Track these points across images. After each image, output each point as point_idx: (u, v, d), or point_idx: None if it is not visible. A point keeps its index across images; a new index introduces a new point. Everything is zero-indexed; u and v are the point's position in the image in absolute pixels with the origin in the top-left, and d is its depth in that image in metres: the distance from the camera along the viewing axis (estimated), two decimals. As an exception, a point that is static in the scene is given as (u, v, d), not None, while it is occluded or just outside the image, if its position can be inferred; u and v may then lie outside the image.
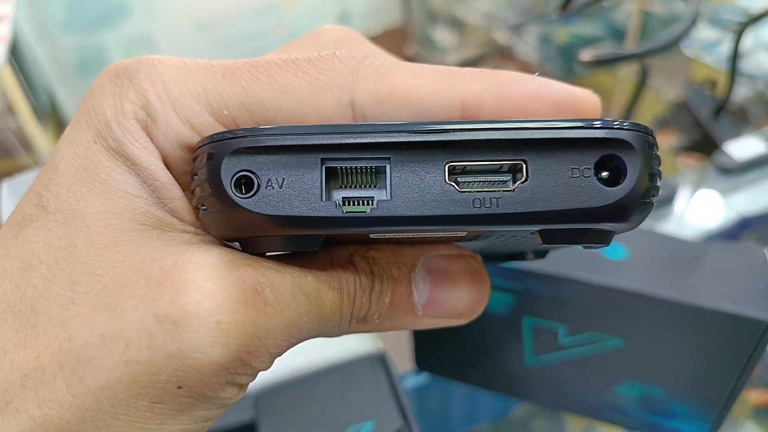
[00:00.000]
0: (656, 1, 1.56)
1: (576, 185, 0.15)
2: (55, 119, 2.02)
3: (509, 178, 0.15)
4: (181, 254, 0.15)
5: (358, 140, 0.15)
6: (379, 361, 0.40)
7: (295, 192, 0.15)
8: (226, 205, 0.15)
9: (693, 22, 0.47)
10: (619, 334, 0.36)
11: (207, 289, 0.14)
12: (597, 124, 0.15)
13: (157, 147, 0.16)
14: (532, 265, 0.35)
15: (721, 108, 0.65)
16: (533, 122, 0.15)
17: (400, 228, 0.15)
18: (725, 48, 1.30)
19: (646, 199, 0.15)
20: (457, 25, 2.20)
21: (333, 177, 0.15)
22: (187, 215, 0.17)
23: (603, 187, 0.15)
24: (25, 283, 0.15)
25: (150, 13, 2.32)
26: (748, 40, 1.29)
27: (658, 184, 0.16)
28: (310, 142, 0.15)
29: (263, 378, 0.39)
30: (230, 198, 0.15)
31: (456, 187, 0.15)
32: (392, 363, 0.40)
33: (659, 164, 0.15)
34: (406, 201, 0.15)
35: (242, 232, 0.16)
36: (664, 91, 1.48)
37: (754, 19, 0.58)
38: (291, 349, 0.42)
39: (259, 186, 0.15)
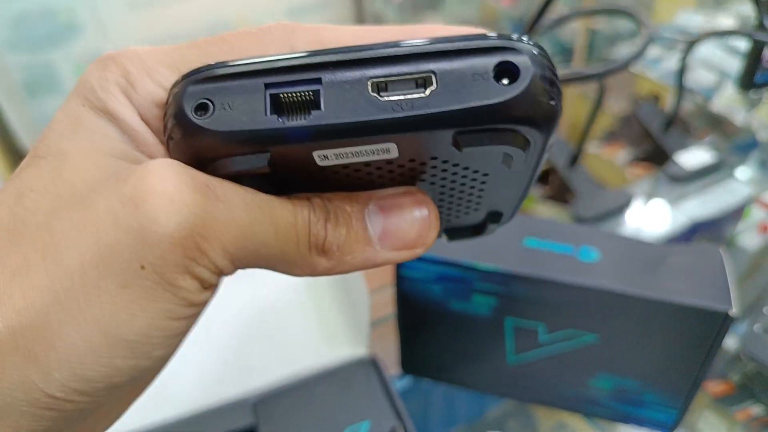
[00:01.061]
0: (600, 19, 1.64)
1: (478, 87, 0.17)
2: (3, 139, 1.96)
3: (422, 87, 0.18)
4: (149, 161, 0.17)
5: (293, 63, 0.18)
6: (372, 365, 0.42)
7: (243, 111, 0.17)
8: (188, 128, 0.18)
9: (648, 42, 0.51)
10: (594, 330, 0.39)
11: (164, 176, 0.16)
12: (493, 36, 0.18)
13: (135, 106, 0.19)
14: (513, 268, 0.38)
15: (670, 121, 0.70)
16: (437, 39, 0.18)
17: (336, 136, 0.18)
18: (667, 64, 1.38)
19: (542, 98, 0.17)
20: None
21: (275, 103, 0.18)
22: (160, 156, 0.19)
23: (500, 85, 0.17)
24: (17, 207, 0.17)
25: (101, 32, 2.29)
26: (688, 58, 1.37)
27: (554, 87, 0.18)
28: (252, 69, 0.18)
29: (262, 384, 0.40)
30: (190, 120, 0.17)
31: (378, 97, 0.17)
32: (384, 366, 0.42)
33: (552, 72, 0.18)
34: (338, 111, 0.17)
35: (203, 154, 0.18)
36: (611, 106, 1.55)
37: (699, 39, 0.63)
38: (286, 355, 0.43)
39: (214, 109, 0.17)
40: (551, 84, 0.18)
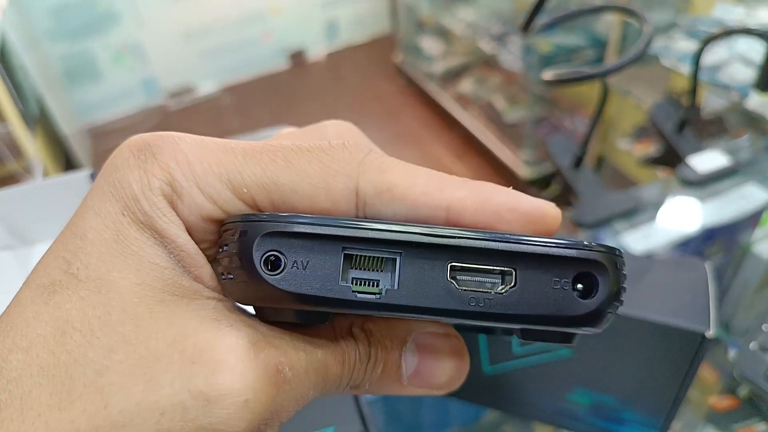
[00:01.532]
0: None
1: (556, 295, 0.17)
2: (43, 125, 2.03)
3: (499, 280, 0.17)
4: (213, 332, 0.16)
5: (377, 236, 0.17)
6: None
7: (316, 274, 0.17)
8: (254, 278, 0.17)
9: (649, 44, 0.48)
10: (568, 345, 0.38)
11: (238, 371, 0.16)
12: (576, 245, 0.17)
13: (181, 220, 0.18)
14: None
15: (684, 122, 0.67)
16: (525, 237, 0.17)
17: (404, 315, 0.17)
18: (702, 59, 1.33)
19: (611, 310, 0.18)
20: (443, 34, 2.22)
21: (348, 259, 0.17)
22: (210, 281, 0.18)
23: (578, 299, 0.17)
24: (59, 349, 0.16)
25: (138, 21, 2.33)
26: (722, 52, 1.32)
27: (622, 297, 0.18)
28: (335, 233, 0.17)
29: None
30: (258, 273, 0.17)
31: (456, 284, 0.17)
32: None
33: (625, 280, 0.18)
34: (412, 292, 0.17)
35: (262, 303, 0.18)
36: (645, 101, 1.51)
37: (712, 39, 0.60)
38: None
39: (285, 265, 0.17)
40: (618, 295, 0.18)
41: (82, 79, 2.37)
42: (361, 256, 0.17)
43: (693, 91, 0.64)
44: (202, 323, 0.16)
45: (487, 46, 1.95)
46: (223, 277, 0.18)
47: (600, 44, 1.64)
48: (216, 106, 2.48)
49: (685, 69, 1.31)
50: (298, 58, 2.62)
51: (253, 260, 0.17)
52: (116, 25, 2.32)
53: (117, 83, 2.43)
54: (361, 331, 0.20)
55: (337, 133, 0.21)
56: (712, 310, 0.35)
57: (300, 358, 0.17)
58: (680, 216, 0.63)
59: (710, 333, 0.34)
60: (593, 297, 0.17)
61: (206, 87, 2.54)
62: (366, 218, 0.19)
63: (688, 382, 0.37)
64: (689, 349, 0.35)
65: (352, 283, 0.17)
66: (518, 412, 0.45)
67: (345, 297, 0.17)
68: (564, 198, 0.64)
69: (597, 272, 0.17)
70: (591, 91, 1.61)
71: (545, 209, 0.19)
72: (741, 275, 0.70)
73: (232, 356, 0.16)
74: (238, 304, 0.19)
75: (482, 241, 0.17)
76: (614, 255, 0.18)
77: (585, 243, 0.17)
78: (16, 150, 1.79)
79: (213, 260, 0.19)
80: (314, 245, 0.17)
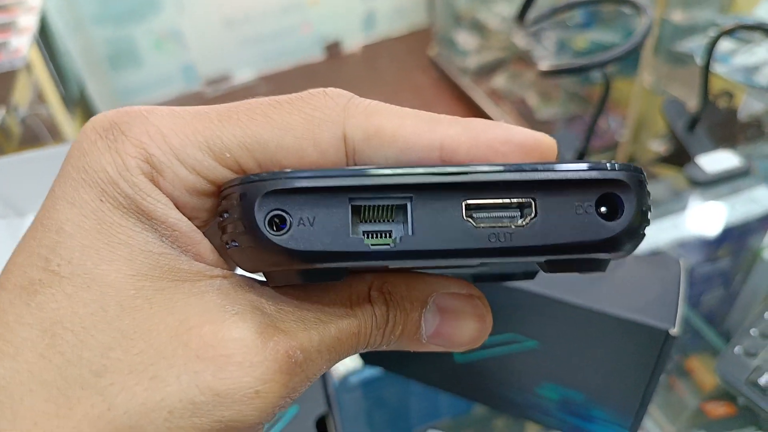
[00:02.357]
0: (677, 10, 1.54)
1: (580, 220, 0.16)
2: (82, 108, 2.08)
3: (518, 213, 0.17)
4: (218, 322, 0.16)
5: (384, 182, 0.16)
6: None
7: (324, 229, 0.16)
8: (260, 241, 0.16)
9: (646, 35, 0.47)
10: (534, 336, 0.37)
11: (247, 365, 0.15)
12: (596, 166, 0.17)
13: (167, 197, 0.17)
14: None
15: (695, 121, 0.65)
16: (542, 165, 0.17)
17: (422, 261, 0.17)
18: (740, 60, 1.29)
19: (640, 230, 0.17)
20: (478, 28, 2.20)
21: (356, 213, 0.17)
22: (210, 256, 0.18)
23: (603, 221, 0.16)
24: (50, 351, 0.15)
25: (179, 8, 2.37)
26: (762, 53, 1.27)
27: (649, 217, 0.17)
28: (339, 184, 0.16)
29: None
30: (264, 235, 0.16)
31: (473, 222, 0.16)
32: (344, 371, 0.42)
33: (650, 199, 0.17)
34: (427, 236, 0.16)
35: (272, 266, 0.17)
36: (682, 101, 1.47)
37: (721, 35, 0.58)
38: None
39: (291, 224, 0.16)
40: (645, 215, 0.17)
41: (124, 64, 2.42)
42: (369, 206, 0.16)
43: (704, 87, 0.62)
44: (206, 311, 0.16)
45: (521, 42, 1.92)
46: (228, 246, 0.17)
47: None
48: (252, 94, 2.46)
49: (723, 69, 1.27)
50: (334, 49, 2.63)
51: (256, 222, 0.16)
52: (158, 11, 2.37)
53: (157, 69, 2.48)
54: (380, 294, 0.19)
55: (330, 101, 0.20)
56: (680, 308, 0.34)
57: (312, 339, 0.17)
58: (687, 216, 0.62)
59: (674, 330, 0.33)
60: (620, 218, 0.16)
61: (243, 75, 2.58)
62: (368, 166, 0.18)
63: (654, 381, 0.36)
64: (654, 347, 0.34)
65: (364, 235, 0.16)
66: (490, 403, 0.44)
67: (358, 249, 0.16)
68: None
69: (620, 192, 0.17)
70: (627, 89, 1.58)
71: (539, 138, 0.18)
72: (751, 281, 0.68)
73: (240, 349, 0.15)
74: (244, 278, 0.18)
75: (496, 174, 0.16)
76: (636, 173, 0.17)
77: (605, 163, 0.17)
78: (55, 131, 1.84)
79: (213, 232, 0.18)
80: (319, 199, 0.16)
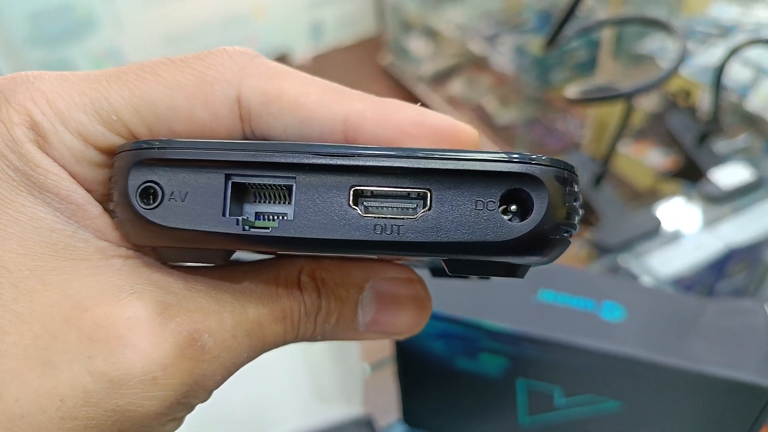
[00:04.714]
0: (629, 10, 1.56)
1: (479, 218, 0.14)
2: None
3: (416, 205, 0.15)
4: (112, 303, 0.14)
5: (264, 159, 0.15)
6: (367, 426, 0.38)
7: (197, 206, 0.15)
8: (132, 214, 0.15)
9: (681, 61, 0.45)
10: (617, 397, 0.35)
11: (141, 348, 0.14)
12: (504, 157, 0.14)
13: (61, 167, 0.15)
14: (525, 329, 0.34)
15: (706, 134, 0.64)
16: (441, 152, 0.14)
17: (302, 250, 0.15)
18: (699, 60, 1.31)
19: (555, 235, 0.15)
20: (431, 35, 2.19)
21: (243, 192, 0.15)
22: (110, 231, 0.16)
23: (506, 221, 0.14)
24: None
25: (117, 26, 2.27)
26: (720, 52, 1.30)
27: (573, 221, 0.15)
28: (214, 158, 0.15)
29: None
30: (134, 208, 0.15)
31: (359, 211, 0.15)
32: (378, 427, 0.38)
33: (575, 200, 0.15)
34: (309, 222, 0.15)
35: (150, 242, 0.16)
36: (641, 102, 1.48)
37: (737, 50, 0.57)
38: (274, 414, 0.40)
39: (162, 197, 0.15)
40: (569, 216, 0.15)
41: (62, 87, 2.31)
42: (250, 184, 0.15)
43: (716, 102, 0.62)
44: (102, 292, 0.14)
45: (476, 47, 1.92)
46: (114, 216, 0.16)
47: (593, 45, 1.62)
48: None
49: (684, 71, 1.29)
50: (283, 61, 2.58)
51: (128, 193, 0.15)
52: (94, 30, 2.26)
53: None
54: (311, 280, 0.18)
55: (227, 58, 0.18)
56: (779, 361, 0.32)
57: (224, 322, 0.15)
58: (703, 235, 0.60)
59: (779, 388, 0.31)
60: (527, 219, 0.14)
61: (189, 92, 2.49)
62: (255, 139, 0.16)
63: (750, 439, 0.34)
64: (754, 405, 0.32)
65: (243, 216, 0.15)
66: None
67: (229, 231, 0.15)
68: (584, 218, 0.61)
69: (531, 189, 0.14)
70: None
71: (458, 126, 0.17)
72: (762, 295, 0.68)
73: (135, 331, 0.14)
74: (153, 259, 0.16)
75: (386, 158, 0.14)
76: (554, 167, 0.14)
77: (515, 154, 0.14)
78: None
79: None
80: (194, 173, 0.15)
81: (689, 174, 0.63)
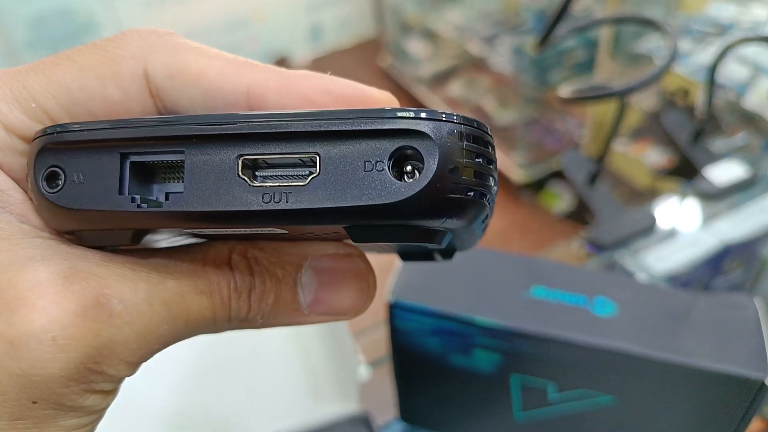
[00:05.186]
0: (625, 9, 1.57)
1: (369, 180, 0.14)
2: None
3: (308, 172, 0.14)
4: (18, 271, 0.14)
5: (150, 135, 0.15)
6: (363, 423, 0.39)
7: (95, 187, 0.15)
8: (41, 199, 0.15)
9: (672, 58, 0.46)
10: (610, 391, 0.35)
11: (39, 307, 0.14)
12: (388, 114, 0.14)
13: None
14: (518, 325, 0.34)
15: (700, 132, 0.65)
16: (324, 114, 0.14)
17: (195, 225, 0.15)
18: (697, 59, 1.31)
19: (456, 194, 0.14)
20: (430, 36, 2.19)
21: (148, 172, 0.15)
22: (33, 216, 0.17)
23: (394, 181, 0.14)
24: None
25: (118, 29, 2.28)
26: (716, 51, 1.30)
27: (483, 180, 0.15)
28: (104, 137, 0.15)
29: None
30: (41, 192, 0.15)
31: (248, 181, 0.14)
32: (375, 425, 0.39)
33: (480, 158, 0.14)
34: (200, 196, 0.14)
35: (62, 226, 0.16)
36: (638, 101, 1.49)
37: (730, 47, 0.57)
38: (271, 411, 0.40)
39: (65, 180, 0.15)
40: (476, 175, 0.14)
41: (62, 91, 2.31)
42: (144, 162, 0.15)
43: (710, 100, 0.62)
44: (13, 263, 0.14)
45: (475, 48, 1.92)
46: (33, 202, 0.16)
47: (591, 45, 1.62)
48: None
49: (681, 69, 1.29)
50: (283, 63, 2.58)
51: (36, 178, 0.15)
52: (96, 34, 2.27)
53: (98, 94, 2.37)
54: (242, 259, 0.17)
55: (136, 36, 0.18)
56: (769, 354, 0.32)
57: (138, 289, 0.15)
58: (699, 232, 0.61)
59: (769, 380, 0.31)
60: (417, 177, 0.14)
61: (190, 95, 2.49)
62: (150, 117, 0.16)
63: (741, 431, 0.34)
64: (745, 398, 0.32)
65: (137, 194, 0.15)
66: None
67: (124, 209, 0.15)
68: (580, 216, 0.61)
69: (420, 146, 0.14)
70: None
71: (367, 91, 0.16)
72: (758, 290, 0.68)
73: (33, 292, 0.14)
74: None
75: (269, 124, 0.14)
76: (446, 121, 0.14)
77: (401, 110, 0.14)
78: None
79: None
80: (90, 155, 0.15)
81: (684, 172, 0.63)
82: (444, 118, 0.14)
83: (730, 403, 0.33)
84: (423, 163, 0.14)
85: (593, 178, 0.58)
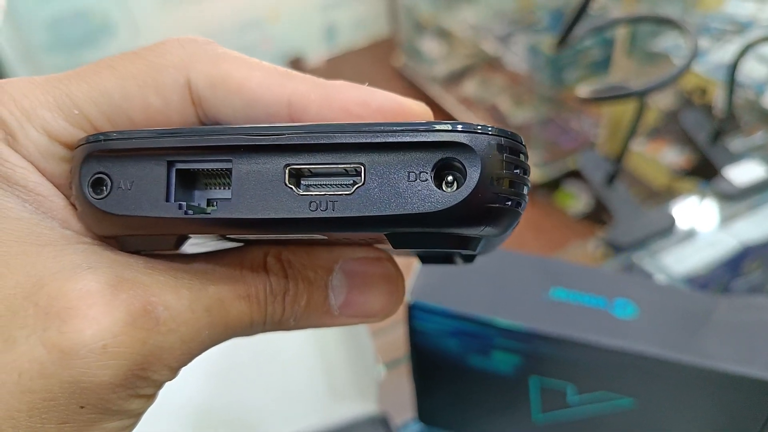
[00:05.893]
0: (642, 8, 1.55)
1: (413, 189, 0.14)
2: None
3: (353, 181, 0.15)
4: (68, 279, 0.15)
5: (198, 144, 0.15)
6: (382, 424, 0.39)
7: (142, 193, 0.16)
8: (86, 205, 0.16)
9: (693, 57, 0.45)
10: (630, 394, 0.35)
11: (91, 316, 0.14)
12: (433, 126, 0.14)
13: (28, 161, 0.16)
14: (537, 326, 0.34)
15: (719, 132, 0.64)
16: (370, 125, 0.15)
17: (242, 231, 0.15)
18: (715, 57, 1.30)
19: (495, 204, 0.15)
20: (444, 36, 2.19)
21: (193, 179, 0.16)
22: (74, 222, 0.17)
23: (437, 191, 0.14)
24: None
25: (134, 31, 2.29)
26: (736, 48, 1.29)
27: (518, 190, 0.15)
28: (153, 146, 0.15)
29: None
30: (87, 198, 0.16)
31: (295, 189, 0.15)
32: (394, 425, 0.39)
33: (518, 169, 0.15)
34: (248, 203, 0.15)
35: (106, 231, 0.16)
36: (656, 100, 1.48)
37: (750, 46, 0.57)
38: (289, 411, 0.40)
39: (111, 186, 0.16)
40: (512, 185, 0.15)
41: (80, 92, 2.33)
42: (195, 170, 0.15)
43: (729, 99, 0.61)
44: (61, 270, 0.15)
45: (490, 47, 1.92)
46: (76, 209, 0.17)
47: (608, 43, 1.61)
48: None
49: (698, 67, 1.28)
50: (297, 64, 2.59)
51: (81, 185, 0.16)
52: (112, 36, 2.29)
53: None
54: (277, 262, 0.18)
55: (178, 46, 0.19)
56: (791, 357, 0.32)
57: (181, 296, 0.16)
58: (718, 232, 0.60)
59: (792, 384, 0.31)
60: (459, 187, 0.14)
61: (205, 96, 2.51)
62: (200, 125, 0.17)
63: (763, 434, 0.34)
64: (766, 401, 0.32)
65: (183, 200, 0.15)
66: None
67: (172, 215, 0.15)
68: (597, 216, 0.61)
69: (462, 157, 0.14)
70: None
71: (406, 103, 0.17)
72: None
73: (85, 301, 0.14)
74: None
75: (314, 136, 0.15)
76: (486, 134, 0.14)
77: (447, 123, 0.14)
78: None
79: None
80: (138, 162, 0.16)
81: (703, 172, 0.62)
82: (479, 130, 0.14)
83: (751, 406, 0.32)
84: (465, 174, 0.14)
85: (611, 179, 0.58)
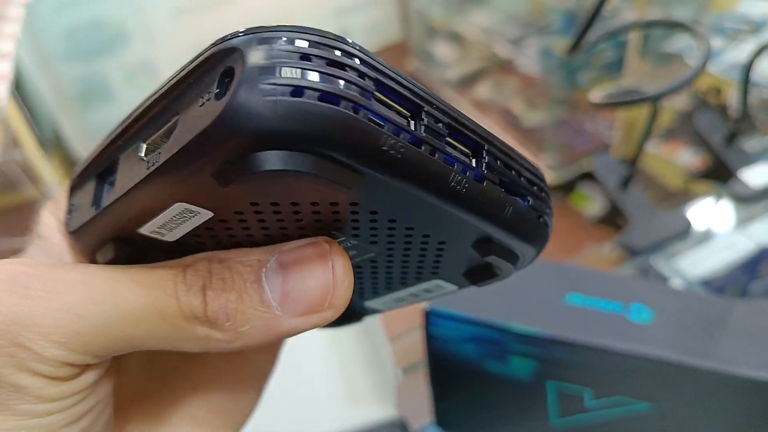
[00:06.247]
0: (655, 10, 1.55)
1: (205, 111, 0.13)
2: (59, 150, 2.02)
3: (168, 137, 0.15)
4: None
5: (102, 147, 0.18)
6: (400, 427, 0.39)
7: (80, 209, 0.19)
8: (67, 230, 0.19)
9: (706, 61, 0.46)
10: (647, 399, 0.35)
11: None
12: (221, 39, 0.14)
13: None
14: (554, 332, 0.34)
15: (734, 134, 0.64)
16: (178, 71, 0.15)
17: (128, 215, 0.17)
18: (728, 57, 1.29)
19: (270, 96, 0.12)
20: (456, 39, 2.19)
21: (95, 197, 0.18)
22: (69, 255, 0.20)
23: (215, 102, 0.13)
24: None
25: (149, 39, 2.32)
26: (750, 48, 1.28)
27: (299, 83, 0.12)
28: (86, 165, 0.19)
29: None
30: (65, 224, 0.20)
31: (144, 158, 0.15)
32: (412, 429, 0.39)
33: (308, 59, 0.13)
34: (120, 185, 0.17)
35: (81, 251, 0.19)
36: (669, 101, 1.47)
37: (766, 46, 0.57)
38: (308, 415, 0.41)
39: (72, 211, 0.19)
40: (293, 72, 0.12)
41: (95, 101, 2.36)
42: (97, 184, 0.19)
43: (744, 99, 0.61)
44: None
45: (502, 50, 1.92)
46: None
47: (620, 45, 1.60)
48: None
49: (712, 67, 1.27)
50: (310, 69, 2.60)
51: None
52: (127, 44, 2.32)
53: (129, 102, 2.41)
54: (203, 259, 0.17)
55: None
56: (810, 361, 0.32)
57: (66, 272, 0.17)
58: (734, 235, 0.60)
59: (810, 388, 0.31)
60: (230, 89, 0.12)
61: (219, 102, 2.52)
62: None
63: (781, 439, 0.34)
64: (786, 406, 0.32)
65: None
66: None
67: (90, 216, 0.18)
68: (612, 220, 0.61)
69: (233, 62, 0.13)
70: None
71: None
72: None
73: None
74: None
75: (147, 106, 0.16)
76: (255, 33, 0.13)
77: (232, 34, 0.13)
78: (32, 176, 1.77)
79: None
80: (81, 185, 0.19)
81: (719, 174, 0.62)
82: (257, 31, 0.14)
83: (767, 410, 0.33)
84: (232, 79, 0.13)
85: (626, 182, 0.58)
